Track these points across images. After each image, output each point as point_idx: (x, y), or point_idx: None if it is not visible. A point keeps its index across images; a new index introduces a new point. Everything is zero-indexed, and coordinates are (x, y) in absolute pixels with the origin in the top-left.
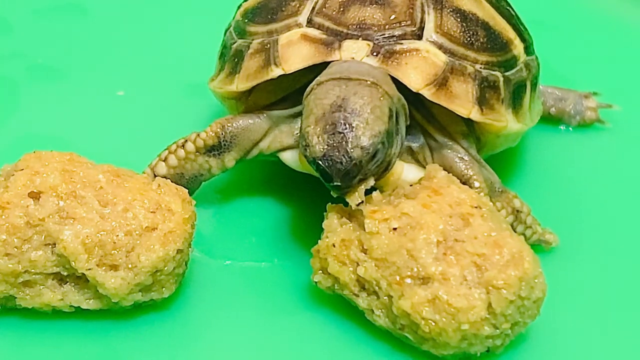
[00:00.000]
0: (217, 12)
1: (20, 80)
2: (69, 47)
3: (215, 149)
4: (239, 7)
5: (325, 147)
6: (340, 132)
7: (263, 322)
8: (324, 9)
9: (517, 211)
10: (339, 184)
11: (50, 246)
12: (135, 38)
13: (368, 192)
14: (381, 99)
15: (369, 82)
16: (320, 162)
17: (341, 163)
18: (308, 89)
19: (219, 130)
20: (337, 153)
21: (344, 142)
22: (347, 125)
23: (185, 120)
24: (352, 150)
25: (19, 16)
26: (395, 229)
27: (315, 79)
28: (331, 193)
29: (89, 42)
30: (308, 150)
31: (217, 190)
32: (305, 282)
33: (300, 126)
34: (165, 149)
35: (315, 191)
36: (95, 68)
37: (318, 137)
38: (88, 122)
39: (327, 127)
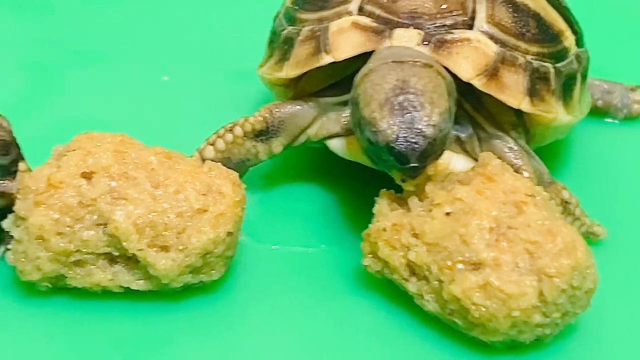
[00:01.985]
0: None
1: (65, 64)
2: (113, 31)
3: (263, 134)
4: None
5: (398, 129)
6: (409, 113)
7: (310, 306)
8: None
9: (566, 202)
10: (416, 164)
11: (101, 226)
12: (180, 23)
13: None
14: (438, 77)
15: (422, 63)
16: (394, 146)
17: (416, 143)
18: (359, 76)
19: (267, 115)
20: (411, 134)
21: (415, 122)
22: (415, 105)
23: (229, 105)
24: (425, 129)
25: (62, 2)
26: (448, 213)
27: (365, 66)
28: (397, 180)
29: (133, 27)
30: (379, 136)
31: (263, 176)
32: (352, 267)
33: (358, 114)
34: (214, 133)
35: (361, 178)
36: (140, 53)
37: (388, 121)
38: (133, 107)
39: (395, 110)
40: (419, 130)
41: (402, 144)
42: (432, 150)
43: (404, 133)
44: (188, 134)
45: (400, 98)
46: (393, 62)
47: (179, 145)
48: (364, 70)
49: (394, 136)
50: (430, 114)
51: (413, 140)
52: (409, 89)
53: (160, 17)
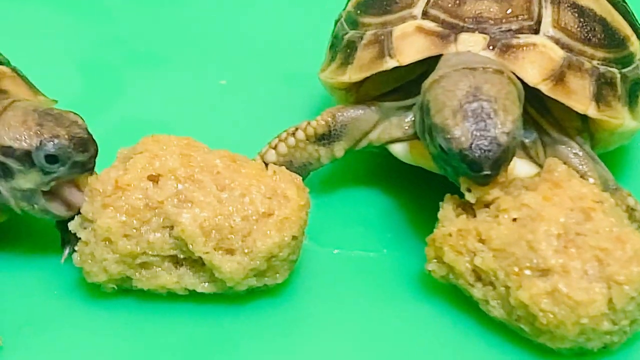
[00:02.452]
0: (320, 1)
1: (123, 66)
2: (171, 35)
3: (325, 138)
4: None
5: (472, 137)
6: (483, 121)
7: (373, 310)
8: (439, 2)
9: (632, 209)
10: (489, 172)
11: (168, 229)
12: (238, 27)
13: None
14: (509, 84)
15: (494, 69)
16: (468, 153)
17: (490, 151)
18: (428, 82)
19: (329, 119)
20: (485, 141)
21: (490, 129)
22: (489, 113)
23: (288, 109)
24: (499, 136)
25: (122, 4)
26: (515, 219)
27: (435, 72)
28: (462, 189)
29: (191, 31)
30: (453, 143)
31: (324, 180)
32: (415, 272)
33: (428, 121)
34: (276, 137)
35: (421, 182)
36: (198, 56)
37: (461, 128)
38: (191, 110)
39: (468, 117)
40: (493, 138)
41: (476, 152)
42: (504, 157)
43: (479, 140)
44: (246, 138)
45: (474, 105)
46: (464, 68)
47: (238, 149)
48: (433, 76)
49: (468, 143)
50: (504, 121)
51: (487, 147)
52: (482, 95)
53: (219, 20)
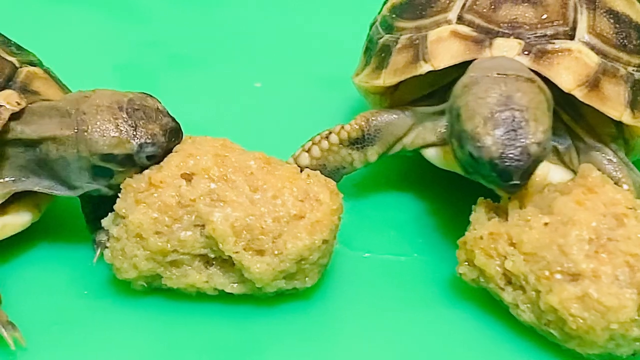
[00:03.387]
0: (355, 5)
1: (159, 68)
2: (207, 37)
3: (358, 142)
4: (385, 2)
5: (503, 146)
6: (514, 130)
7: (403, 314)
8: (474, 7)
9: None
10: (518, 182)
11: (199, 227)
12: (272, 30)
13: None
14: (540, 93)
15: (525, 77)
16: (498, 163)
17: (520, 161)
18: (458, 86)
19: (363, 123)
20: (515, 151)
21: (521, 140)
22: (520, 122)
23: (321, 113)
24: (530, 146)
25: (158, 6)
26: (546, 224)
27: (466, 77)
28: (500, 192)
29: (226, 33)
30: (483, 152)
31: (355, 183)
32: (445, 276)
33: (458, 127)
34: (309, 140)
35: (453, 186)
36: (232, 59)
37: (492, 137)
38: (226, 112)
39: (499, 126)
40: (524, 148)
41: (506, 161)
42: (534, 167)
43: (509, 150)
44: (281, 140)
45: (506, 114)
46: (496, 74)
47: (272, 151)
48: (463, 80)
49: (498, 153)
50: (535, 132)
51: (518, 157)
52: (514, 104)
53: (255, 22)
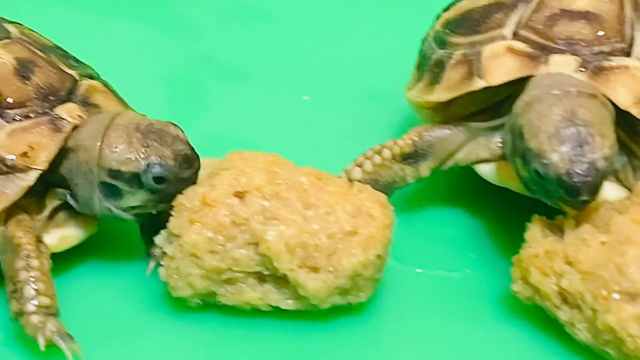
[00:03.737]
0: (403, 18)
1: (208, 82)
2: (255, 50)
3: (411, 157)
4: (437, 17)
5: (570, 162)
6: (580, 146)
7: (456, 330)
8: (529, 23)
9: None
10: (586, 198)
11: (253, 245)
12: (319, 44)
13: None
14: (603, 109)
15: (588, 93)
16: (566, 179)
17: (588, 176)
18: (520, 104)
19: (416, 138)
20: (583, 167)
21: (587, 155)
22: (586, 138)
23: (370, 127)
24: (597, 161)
25: (208, 20)
26: (603, 242)
27: (526, 94)
28: (567, 209)
29: (273, 47)
30: (550, 168)
31: (408, 198)
32: (498, 293)
33: (521, 145)
34: (362, 155)
35: (506, 202)
36: (280, 73)
37: (559, 154)
38: (275, 126)
39: (565, 142)
40: (591, 163)
41: (574, 177)
42: (601, 183)
43: (577, 166)
44: (329, 155)
45: (571, 130)
46: (558, 91)
47: (321, 165)
48: (524, 98)
49: (565, 170)
50: (601, 147)
51: (585, 173)
52: (578, 120)
53: (303, 36)
